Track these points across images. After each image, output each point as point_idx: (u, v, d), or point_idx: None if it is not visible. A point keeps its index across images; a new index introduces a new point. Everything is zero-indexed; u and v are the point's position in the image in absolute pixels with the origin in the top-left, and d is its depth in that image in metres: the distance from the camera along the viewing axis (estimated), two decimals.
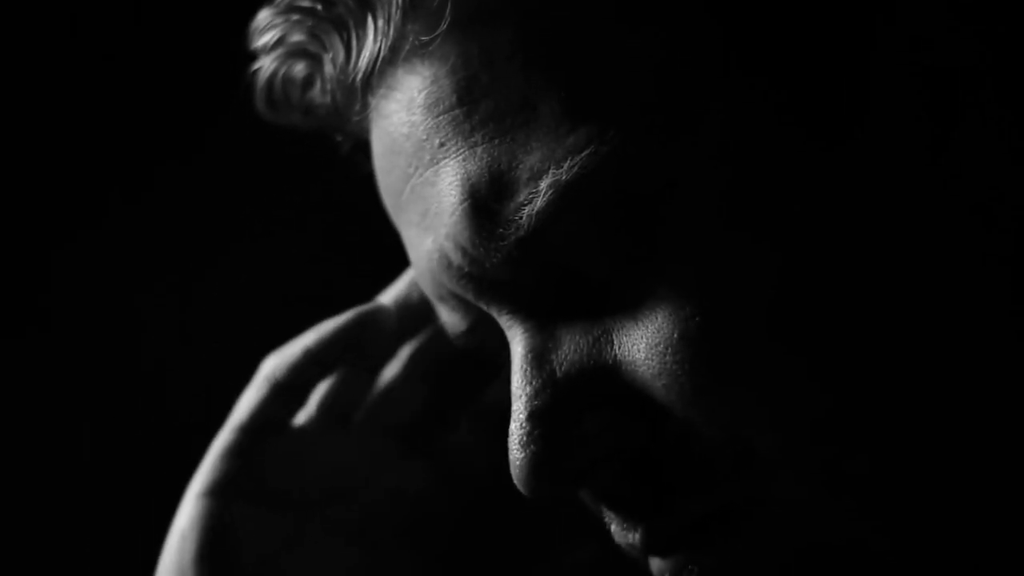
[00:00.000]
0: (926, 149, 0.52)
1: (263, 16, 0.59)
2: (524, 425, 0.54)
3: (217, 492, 0.66)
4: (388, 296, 0.69)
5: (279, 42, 0.58)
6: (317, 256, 1.03)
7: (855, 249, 0.52)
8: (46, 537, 1.04)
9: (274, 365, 0.68)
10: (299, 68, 0.59)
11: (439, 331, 0.67)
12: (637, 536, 0.56)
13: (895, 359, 0.52)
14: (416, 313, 0.68)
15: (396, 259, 0.69)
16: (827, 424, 0.52)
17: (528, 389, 0.54)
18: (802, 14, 0.52)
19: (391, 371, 0.69)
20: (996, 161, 0.52)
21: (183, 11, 0.99)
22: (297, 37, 0.58)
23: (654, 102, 0.52)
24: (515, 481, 0.54)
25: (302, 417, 0.69)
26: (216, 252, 1.04)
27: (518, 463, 0.54)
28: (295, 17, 0.57)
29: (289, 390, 0.68)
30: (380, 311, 0.68)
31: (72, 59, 1.02)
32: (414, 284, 0.68)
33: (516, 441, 0.54)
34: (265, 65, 0.60)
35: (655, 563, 0.56)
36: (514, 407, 0.55)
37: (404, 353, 0.69)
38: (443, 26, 0.53)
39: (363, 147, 0.63)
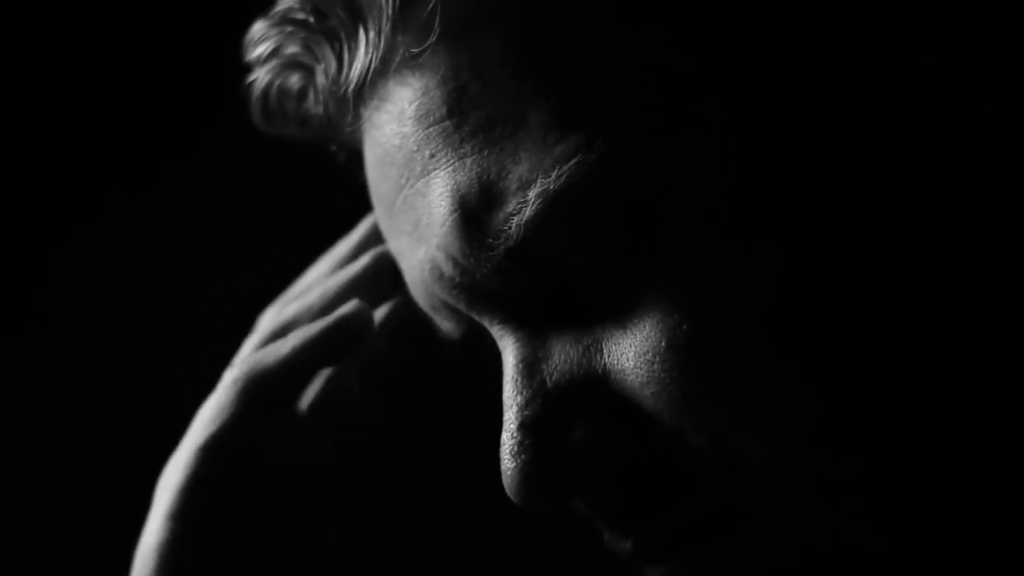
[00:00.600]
0: (925, 150, 0.52)
1: (258, 28, 0.59)
2: (515, 435, 0.54)
3: (189, 516, 0.65)
4: (354, 266, 0.68)
5: (274, 53, 0.59)
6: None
7: (852, 253, 0.52)
8: (46, 537, 1.04)
9: (248, 377, 0.65)
10: (293, 80, 0.59)
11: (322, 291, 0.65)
12: (628, 544, 0.56)
13: (888, 365, 0.52)
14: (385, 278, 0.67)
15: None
16: (817, 430, 0.52)
17: (519, 399, 0.55)
18: (800, 15, 0.51)
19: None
20: (995, 162, 0.52)
21: (183, 12, 0.99)
22: (291, 49, 0.58)
23: (651, 103, 0.52)
24: (507, 491, 0.55)
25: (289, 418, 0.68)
26: (216, 252, 1.04)
27: (509, 473, 0.54)
28: (289, 29, 0.57)
29: (265, 403, 0.66)
30: (360, 312, 0.67)
31: (72, 60, 1.02)
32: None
33: (507, 451, 0.54)
34: (260, 77, 0.60)
35: (647, 569, 0.56)
36: (505, 417, 0.55)
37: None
38: (432, 38, 0.53)
39: (357, 157, 0.63)
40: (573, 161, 0.52)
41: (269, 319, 0.68)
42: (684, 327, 0.52)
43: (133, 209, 1.03)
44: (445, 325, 0.60)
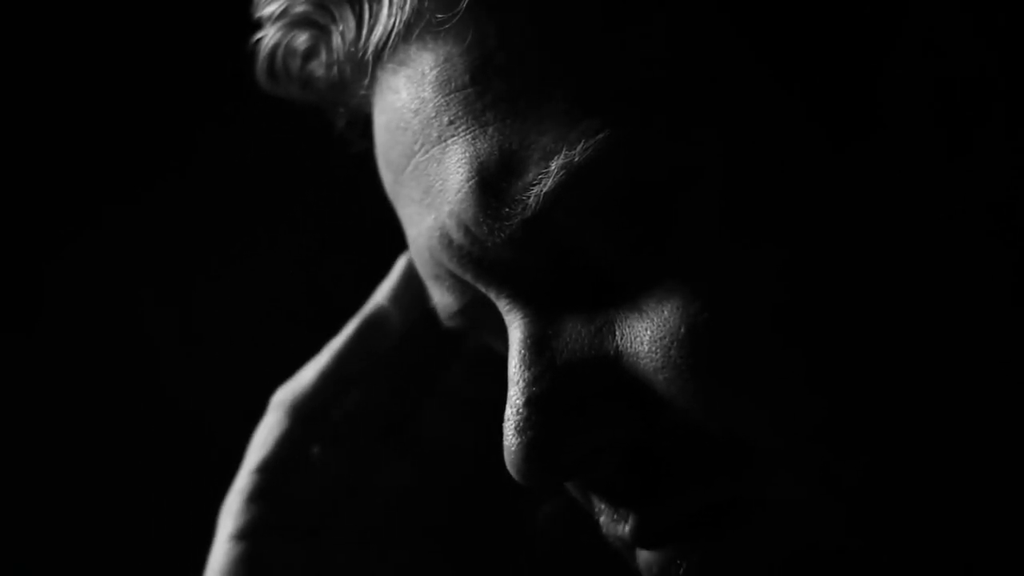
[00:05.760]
0: (940, 154, 0.52)
1: None
2: (521, 411, 0.53)
3: (248, 535, 0.66)
4: (383, 293, 0.69)
5: (284, 12, 0.58)
6: (317, 259, 1.03)
7: (866, 252, 0.52)
8: (45, 537, 1.04)
9: (292, 395, 0.67)
10: (303, 39, 0.58)
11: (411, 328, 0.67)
12: (627, 527, 0.55)
13: (898, 364, 0.52)
14: (415, 303, 0.67)
15: (394, 259, 0.69)
16: (826, 427, 0.52)
17: (527, 375, 0.54)
18: (819, 16, 0.52)
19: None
20: (1010, 169, 0.52)
21: (183, 13, 0.99)
22: (303, 8, 0.57)
23: (670, 93, 0.51)
24: (508, 467, 0.54)
25: (320, 443, 0.69)
26: (215, 253, 1.04)
27: (513, 448, 0.53)
28: None
29: (311, 418, 0.67)
30: (381, 313, 0.68)
31: (72, 60, 1.02)
32: (407, 274, 0.68)
33: (512, 427, 0.53)
34: (269, 35, 0.59)
35: (643, 556, 0.56)
36: (511, 392, 0.54)
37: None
38: (461, 5, 0.53)
39: (354, 124, 0.62)
40: (600, 136, 0.51)
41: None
42: (705, 315, 0.51)
43: (132, 210, 1.03)
44: (444, 297, 0.58)
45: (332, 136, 0.64)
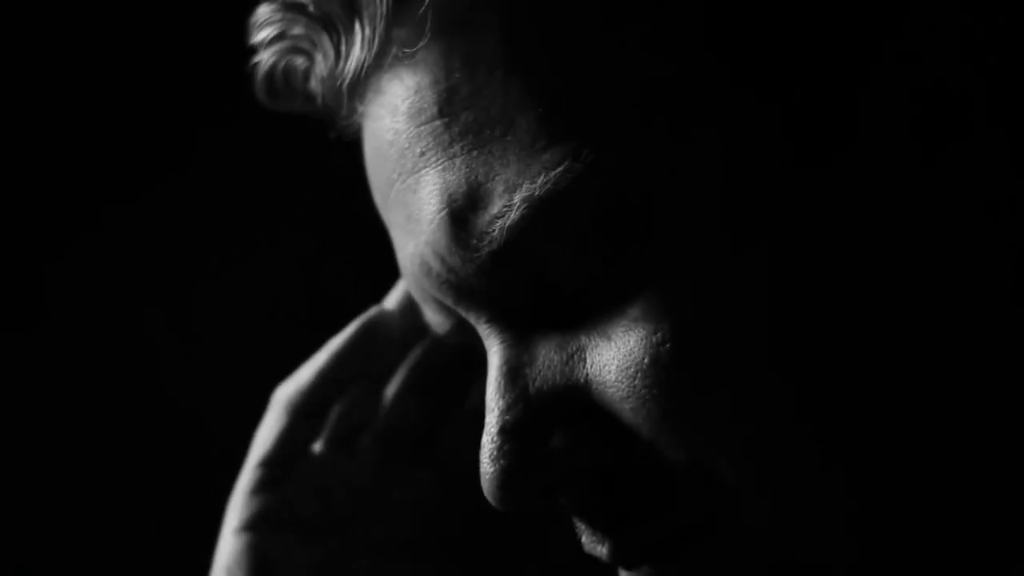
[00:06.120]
0: (918, 164, 0.52)
1: (262, 11, 0.59)
2: (495, 439, 0.54)
3: (254, 526, 0.67)
4: (391, 300, 0.70)
5: (278, 37, 0.59)
6: (316, 259, 1.04)
7: (845, 273, 0.51)
8: (45, 537, 1.04)
9: (290, 392, 0.69)
10: (299, 61, 0.59)
11: (430, 338, 0.68)
12: (605, 549, 0.56)
13: (885, 384, 0.52)
14: (418, 312, 0.68)
15: (394, 262, 0.69)
16: (807, 451, 0.52)
17: (501, 403, 0.55)
18: (795, 29, 0.51)
19: (391, 388, 0.70)
20: (987, 178, 0.52)
21: (183, 15, 0.99)
22: (296, 31, 0.58)
23: (644, 113, 0.51)
24: (485, 493, 0.55)
25: (320, 441, 0.70)
26: (215, 254, 1.04)
27: (488, 476, 0.54)
28: (291, 16, 0.58)
29: (309, 415, 0.69)
30: (383, 317, 0.69)
31: (72, 61, 1.02)
32: None
33: (487, 455, 0.54)
34: (265, 58, 0.60)
35: (623, 574, 0.57)
36: (487, 420, 0.55)
37: (401, 368, 0.70)
38: (425, 38, 0.53)
39: (357, 143, 0.63)
40: (560, 168, 0.52)
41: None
42: (667, 346, 0.51)
43: (132, 210, 1.03)
44: (435, 318, 0.60)
45: (331, 137, 0.64)
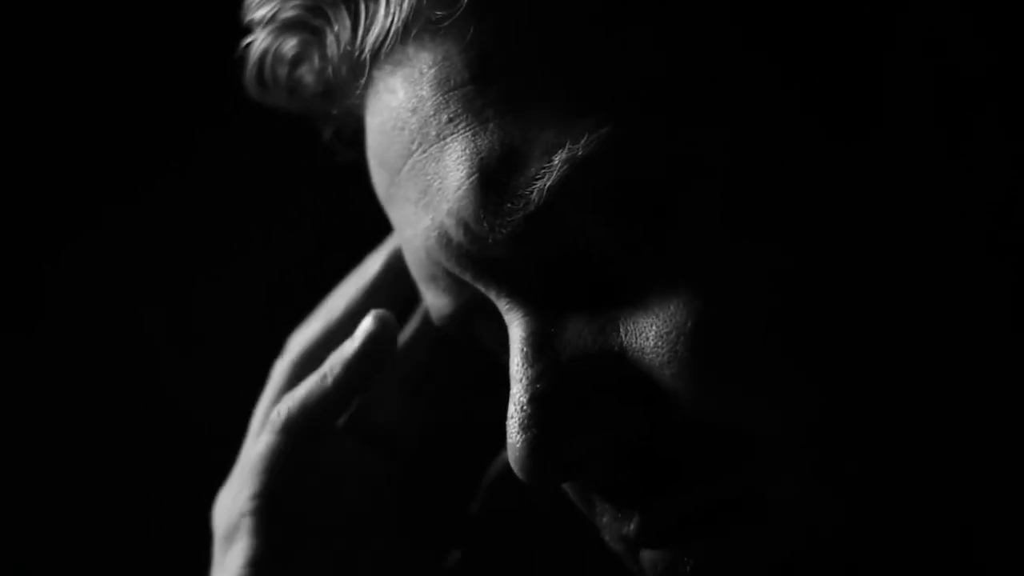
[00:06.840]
0: (941, 150, 0.52)
1: None
2: (525, 408, 0.53)
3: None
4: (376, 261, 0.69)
5: (274, 16, 0.58)
6: (315, 259, 1.03)
7: (866, 249, 0.52)
8: (45, 537, 1.04)
9: (297, 415, 0.66)
10: (292, 44, 0.58)
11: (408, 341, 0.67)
12: (632, 527, 0.55)
13: (898, 361, 0.52)
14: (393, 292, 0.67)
15: None
16: (824, 423, 0.52)
17: (530, 372, 0.54)
18: (819, 14, 0.52)
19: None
20: (1010, 165, 0.53)
21: (182, 13, 0.99)
22: (294, 12, 0.57)
23: (670, 92, 0.52)
24: (512, 465, 0.54)
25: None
26: (215, 254, 1.04)
27: (517, 446, 0.53)
28: None
29: (315, 435, 0.66)
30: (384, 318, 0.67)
31: (71, 61, 1.02)
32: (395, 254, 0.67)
33: (516, 424, 0.53)
34: (258, 40, 0.59)
35: (647, 556, 0.56)
36: (514, 389, 0.54)
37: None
38: (462, 4, 0.53)
39: (342, 132, 0.63)
40: (604, 130, 0.51)
41: (298, 341, 0.69)
42: (710, 310, 0.51)
43: (132, 210, 1.03)
44: (439, 299, 0.59)
45: (327, 137, 0.64)
